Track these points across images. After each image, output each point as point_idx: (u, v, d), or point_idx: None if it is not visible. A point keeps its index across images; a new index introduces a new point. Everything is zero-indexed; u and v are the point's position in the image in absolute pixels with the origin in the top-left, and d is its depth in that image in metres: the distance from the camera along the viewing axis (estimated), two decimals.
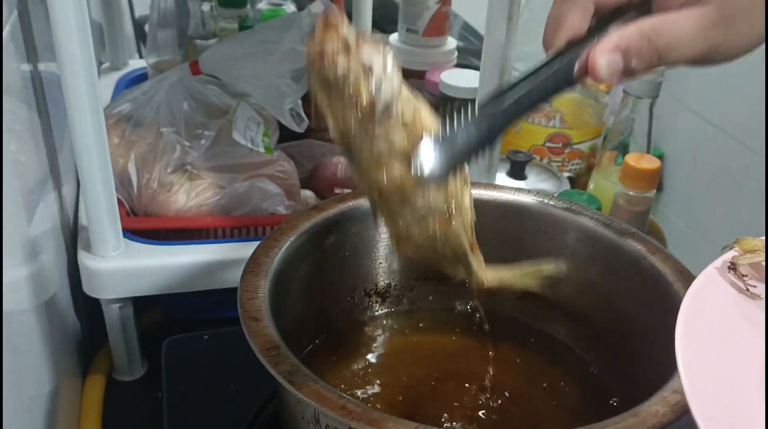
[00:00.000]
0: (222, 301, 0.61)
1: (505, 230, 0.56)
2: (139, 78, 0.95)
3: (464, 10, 1.25)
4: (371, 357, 0.55)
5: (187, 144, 0.71)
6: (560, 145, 0.93)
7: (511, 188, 0.58)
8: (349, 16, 0.99)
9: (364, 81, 0.39)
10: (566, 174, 0.91)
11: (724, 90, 1.04)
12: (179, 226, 0.68)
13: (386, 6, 1.16)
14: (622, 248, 0.52)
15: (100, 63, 0.98)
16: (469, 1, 1.07)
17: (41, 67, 0.61)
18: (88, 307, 0.67)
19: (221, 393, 0.56)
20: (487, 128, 0.41)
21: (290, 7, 1.01)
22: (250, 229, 0.69)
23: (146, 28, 1.01)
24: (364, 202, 0.54)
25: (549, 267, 0.49)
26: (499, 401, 0.51)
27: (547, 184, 0.84)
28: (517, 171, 0.83)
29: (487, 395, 0.51)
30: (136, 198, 0.70)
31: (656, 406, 0.37)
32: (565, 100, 0.97)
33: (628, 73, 0.41)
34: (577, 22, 0.43)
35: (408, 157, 0.40)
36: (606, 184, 0.82)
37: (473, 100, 0.68)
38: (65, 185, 0.67)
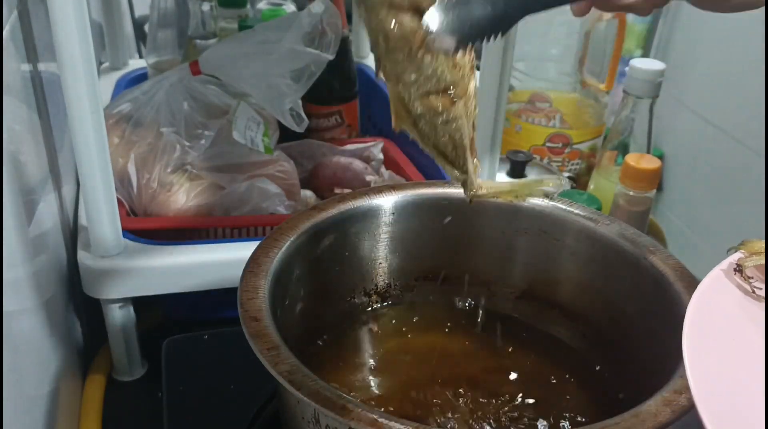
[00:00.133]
0: (222, 301, 0.61)
1: (504, 230, 0.56)
2: (139, 78, 0.95)
3: None
4: (371, 357, 0.55)
5: (187, 144, 0.71)
6: (560, 145, 0.94)
7: None
8: (349, 17, 0.99)
9: None
10: (566, 174, 0.91)
11: (724, 90, 1.04)
12: (179, 226, 0.68)
13: None
14: (622, 248, 0.52)
15: (100, 63, 0.98)
16: None
17: (41, 67, 0.61)
18: (88, 307, 0.67)
19: (221, 393, 0.56)
20: (503, 9, 0.40)
21: (290, 7, 1.01)
22: (250, 229, 0.69)
23: (146, 28, 1.01)
24: (364, 202, 0.54)
25: (550, 181, 0.48)
26: (500, 401, 0.51)
27: None
28: (517, 171, 0.83)
29: (488, 395, 0.51)
30: (136, 198, 0.70)
31: (656, 406, 0.38)
32: (566, 100, 0.97)
33: None
34: None
35: (420, 11, 0.39)
36: (606, 184, 0.82)
37: None
38: (65, 185, 0.67)
